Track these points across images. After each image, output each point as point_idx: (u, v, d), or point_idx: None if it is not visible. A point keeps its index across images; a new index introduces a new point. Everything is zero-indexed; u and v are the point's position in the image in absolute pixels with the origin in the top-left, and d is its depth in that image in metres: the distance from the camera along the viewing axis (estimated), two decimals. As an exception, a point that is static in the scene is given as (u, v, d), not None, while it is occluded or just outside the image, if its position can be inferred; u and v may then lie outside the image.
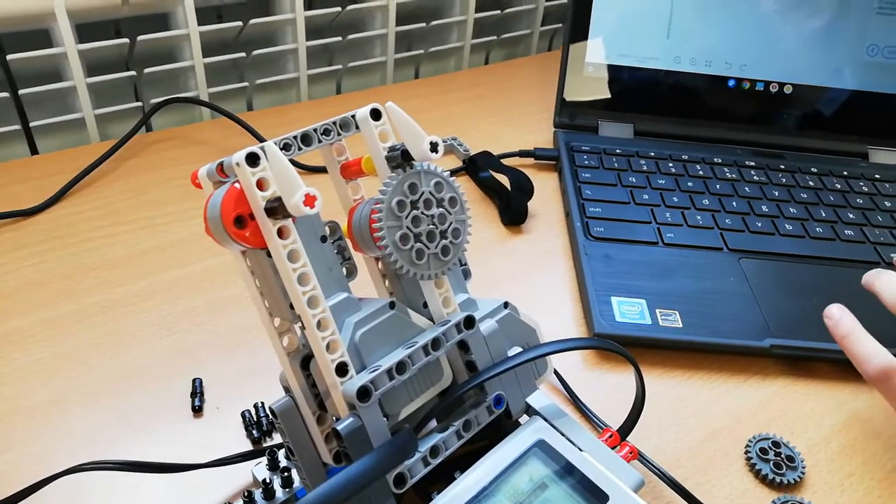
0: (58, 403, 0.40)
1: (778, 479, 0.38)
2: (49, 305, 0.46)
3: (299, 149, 0.31)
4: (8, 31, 0.59)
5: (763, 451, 0.40)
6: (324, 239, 0.32)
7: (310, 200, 0.27)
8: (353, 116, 0.33)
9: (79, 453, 0.38)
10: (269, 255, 0.30)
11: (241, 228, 0.29)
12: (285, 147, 0.31)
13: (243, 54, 0.69)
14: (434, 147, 0.30)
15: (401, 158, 0.31)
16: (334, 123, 0.33)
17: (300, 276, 0.29)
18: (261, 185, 0.28)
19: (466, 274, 0.37)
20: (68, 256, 0.50)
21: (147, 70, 0.65)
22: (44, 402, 0.40)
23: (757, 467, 0.39)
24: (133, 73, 0.65)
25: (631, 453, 0.34)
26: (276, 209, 0.28)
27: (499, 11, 0.85)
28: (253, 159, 0.28)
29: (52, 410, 0.40)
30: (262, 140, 0.64)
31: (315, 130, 0.32)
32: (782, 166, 0.64)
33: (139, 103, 0.67)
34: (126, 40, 0.62)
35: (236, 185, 0.29)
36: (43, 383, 0.41)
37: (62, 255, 0.51)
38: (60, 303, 0.47)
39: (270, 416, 0.38)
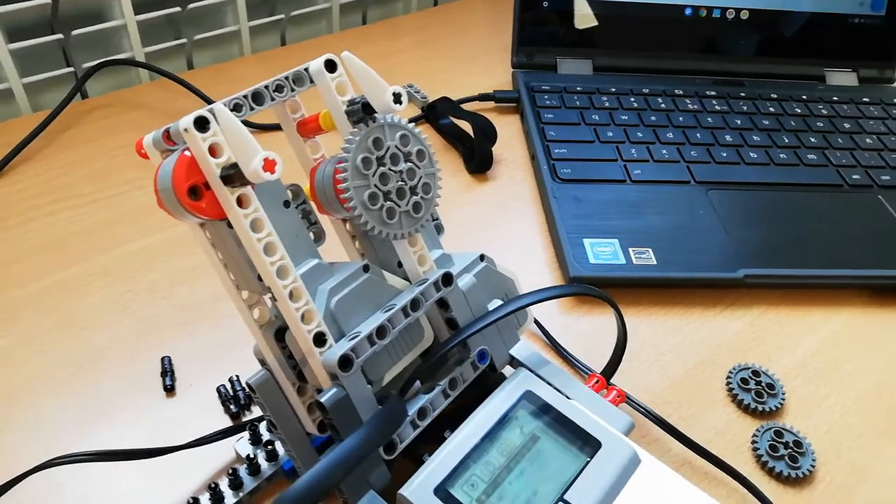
0: (18, 395, 0.38)
1: (760, 407, 0.39)
2: (-4, 293, 0.44)
3: (251, 108, 0.29)
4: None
5: (744, 380, 0.40)
6: (287, 204, 0.30)
7: (269, 165, 0.25)
8: (306, 70, 0.31)
9: (49, 446, 0.36)
10: (229, 225, 0.28)
11: (197, 199, 0.27)
12: (236, 108, 0.28)
13: (178, 9, 0.65)
14: (398, 98, 0.28)
15: (362, 112, 0.29)
16: (287, 79, 0.30)
17: (266, 245, 0.27)
18: (213, 151, 0.26)
19: (439, 229, 0.36)
20: (12, 238, 0.47)
21: (75, 32, 0.60)
22: (4, 394, 0.38)
23: (739, 397, 0.39)
24: (60, 35, 0.60)
25: (619, 397, 0.34)
26: (232, 176, 0.26)
27: (445, -52, 0.81)
28: (202, 124, 0.26)
29: (14, 402, 0.38)
30: (207, 100, 0.60)
31: (267, 88, 0.30)
32: (742, 94, 0.63)
33: (70, 69, 0.62)
34: (48, 0, 0.58)
35: (186, 152, 0.27)
36: (1, 376, 0.39)
37: (5, 237, 0.47)
38: (9, 289, 0.44)
39: (248, 391, 0.37)
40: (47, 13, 0.59)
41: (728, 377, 0.40)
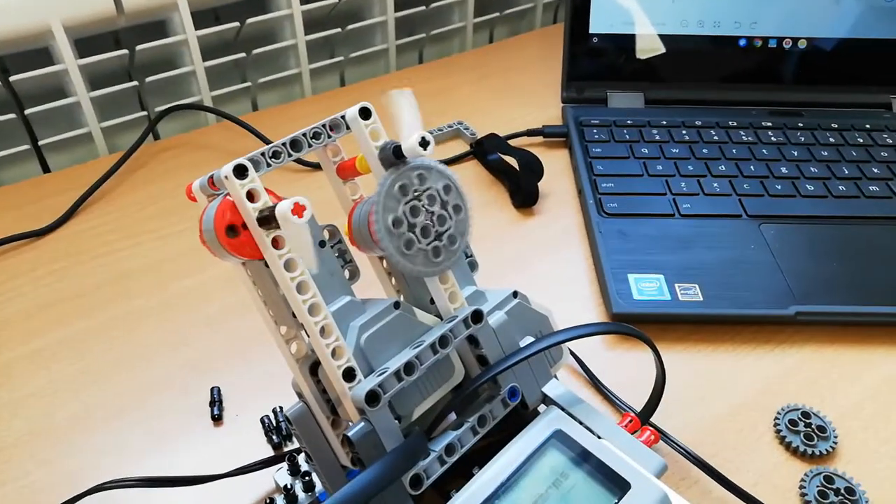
0: (81, 420, 0.41)
1: (809, 450, 0.37)
2: (67, 324, 0.47)
3: (289, 155, 0.31)
4: (9, 53, 0.60)
5: (792, 422, 0.39)
6: (322, 244, 0.32)
7: (298, 210, 0.26)
8: (342, 117, 0.32)
9: (105, 468, 0.38)
10: (267, 265, 0.30)
11: (234, 237, 0.29)
12: (275, 155, 0.30)
13: (243, 54, 0.69)
14: (424, 143, 0.29)
15: (393, 157, 0.31)
16: (324, 126, 0.32)
17: (299, 284, 0.29)
18: (252, 196, 0.28)
19: (473, 266, 0.36)
20: (83, 273, 0.51)
21: (149, 79, 0.65)
22: (68, 420, 0.41)
23: (787, 440, 0.38)
24: (135, 83, 0.65)
25: (652, 437, 0.33)
26: (268, 218, 0.28)
27: (499, -13, 0.83)
28: (241, 171, 0.28)
29: (77, 428, 0.40)
30: (266, 141, 0.63)
31: (304, 135, 0.31)
32: (801, 124, 0.62)
33: (144, 112, 0.67)
34: (125, 51, 0.62)
35: (228, 197, 0.29)
36: (65, 401, 0.42)
37: (77, 272, 0.51)
38: (78, 320, 0.47)
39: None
40: (125, 62, 0.64)
41: (776, 418, 0.39)
